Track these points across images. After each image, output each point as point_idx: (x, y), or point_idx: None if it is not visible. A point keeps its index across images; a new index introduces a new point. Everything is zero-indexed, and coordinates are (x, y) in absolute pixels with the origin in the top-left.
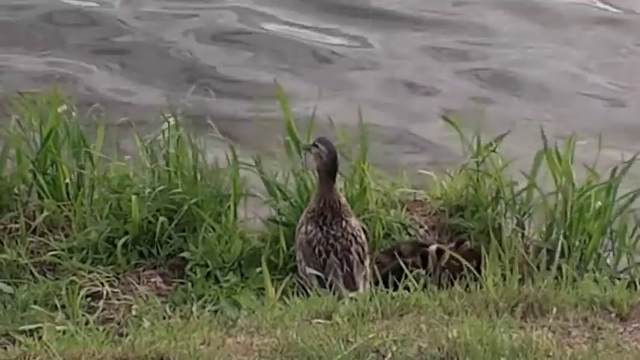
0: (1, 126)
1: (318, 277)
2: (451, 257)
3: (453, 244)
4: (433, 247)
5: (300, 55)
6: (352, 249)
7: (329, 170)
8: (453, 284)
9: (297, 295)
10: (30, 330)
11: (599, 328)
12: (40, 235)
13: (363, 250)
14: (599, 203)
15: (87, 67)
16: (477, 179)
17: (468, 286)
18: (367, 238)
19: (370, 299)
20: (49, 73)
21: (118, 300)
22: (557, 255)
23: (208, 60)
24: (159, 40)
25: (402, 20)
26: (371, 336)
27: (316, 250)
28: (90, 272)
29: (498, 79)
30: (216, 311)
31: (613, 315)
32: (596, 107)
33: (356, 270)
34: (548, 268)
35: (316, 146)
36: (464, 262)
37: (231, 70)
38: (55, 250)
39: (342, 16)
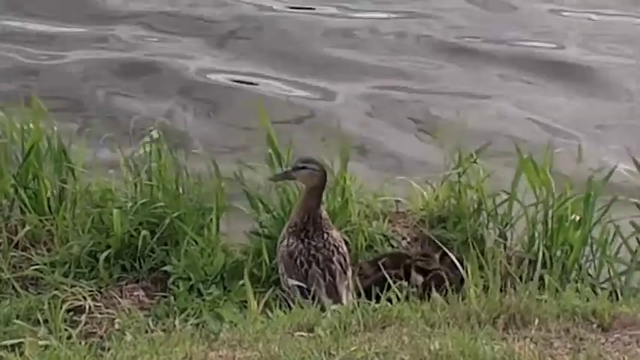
0: None
1: (300, 287)
2: (436, 268)
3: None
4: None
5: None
6: (334, 259)
7: (322, 186)
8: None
9: (280, 308)
10: (12, 345)
11: (581, 339)
12: (22, 250)
13: (345, 260)
14: (579, 214)
15: None
16: (459, 190)
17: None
18: (349, 249)
19: (352, 311)
20: None
21: (100, 314)
22: (539, 265)
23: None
24: None
25: None
26: (353, 349)
27: (298, 261)
28: (72, 286)
29: None
30: (198, 324)
31: (595, 326)
32: None
33: (338, 279)
34: (530, 279)
35: (304, 168)
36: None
37: None
38: (38, 264)
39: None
